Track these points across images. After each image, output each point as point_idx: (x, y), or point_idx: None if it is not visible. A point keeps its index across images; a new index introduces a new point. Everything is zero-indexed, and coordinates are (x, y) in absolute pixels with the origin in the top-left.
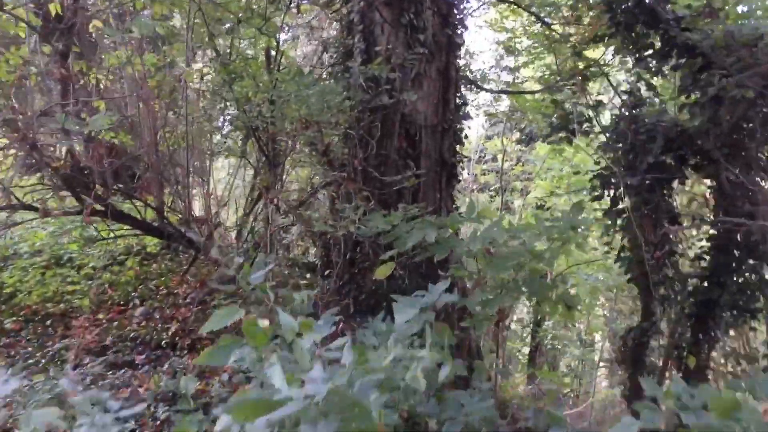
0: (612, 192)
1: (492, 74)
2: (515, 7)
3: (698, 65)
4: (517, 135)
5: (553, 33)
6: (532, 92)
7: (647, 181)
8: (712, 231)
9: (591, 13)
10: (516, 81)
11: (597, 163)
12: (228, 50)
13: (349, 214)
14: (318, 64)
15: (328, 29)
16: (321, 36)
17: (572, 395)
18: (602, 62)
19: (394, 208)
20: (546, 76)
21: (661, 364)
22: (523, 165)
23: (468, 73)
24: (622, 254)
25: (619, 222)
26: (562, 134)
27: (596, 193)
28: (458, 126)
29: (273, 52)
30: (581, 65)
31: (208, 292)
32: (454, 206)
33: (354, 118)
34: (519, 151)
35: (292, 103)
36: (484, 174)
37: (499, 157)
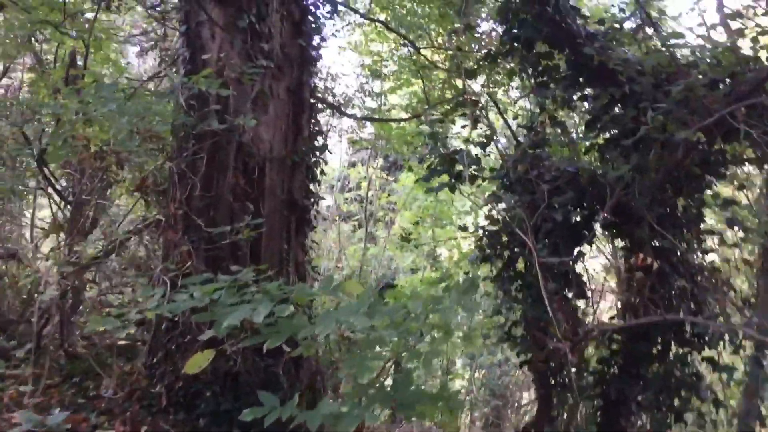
0: (504, 251)
1: (356, 99)
2: (382, 28)
3: (617, 95)
4: (381, 162)
5: (422, 57)
6: (399, 120)
7: (555, 243)
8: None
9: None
10: (382, 107)
11: (489, 217)
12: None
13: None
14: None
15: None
16: (164, 46)
17: None
18: (490, 89)
19: (228, 265)
20: (413, 104)
21: None
22: (389, 195)
23: (330, 97)
24: (512, 333)
25: (514, 294)
26: (443, 180)
27: (483, 252)
28: (313, 159)
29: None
30: (450, 94)
31: None
32: (306, 260)
33: (176, 146)
34: (384, 179)
35: (95, 123)
36: (346, 202)
37: (363, 185)
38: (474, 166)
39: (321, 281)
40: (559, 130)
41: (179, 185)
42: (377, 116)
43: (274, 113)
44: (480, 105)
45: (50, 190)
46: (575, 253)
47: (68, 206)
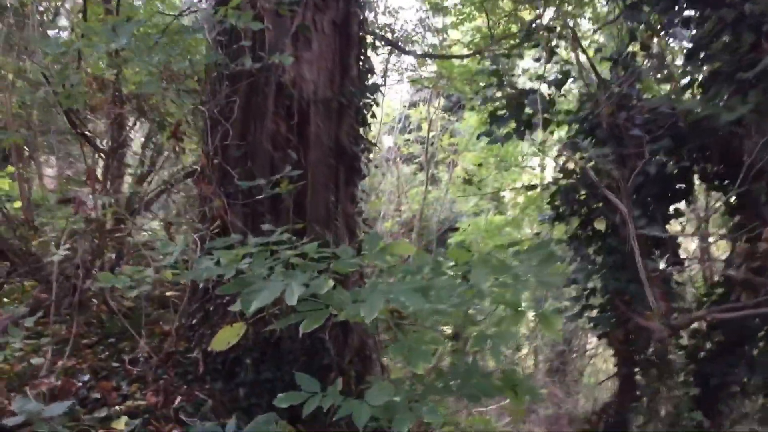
0: (582, 209)
1: (416, 36)
2: None
3: (729, 18)
4: (443, 102)
5: None
6: (461, 56)
7: (644, 200)
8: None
9: None
10: (443, 44)
11: (563, 170)
12: None
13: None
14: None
15: None
16: None
17: None
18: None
19: (268, 221)
20: (476, 41)
21: None
22: (451, 136)
23: (388, 34)
24: (591, 302)
25: (592, 257)
26: (509, 127)
27: (557, 210)
28: (363, 101)
29: None
30: (516, 28)
31: None
32: (356, 212)
33: (209, 89)
34: (446, 119)
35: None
36: (407, 144)
37: (425, 126)
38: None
39: (365, 239)
40: (654, 62)
41: (213, 133)
42: (438, 54)
43: (318, 50)
44: (555, 34)
45: (82, 138)
46: (671, 210)
47: (100, 155)
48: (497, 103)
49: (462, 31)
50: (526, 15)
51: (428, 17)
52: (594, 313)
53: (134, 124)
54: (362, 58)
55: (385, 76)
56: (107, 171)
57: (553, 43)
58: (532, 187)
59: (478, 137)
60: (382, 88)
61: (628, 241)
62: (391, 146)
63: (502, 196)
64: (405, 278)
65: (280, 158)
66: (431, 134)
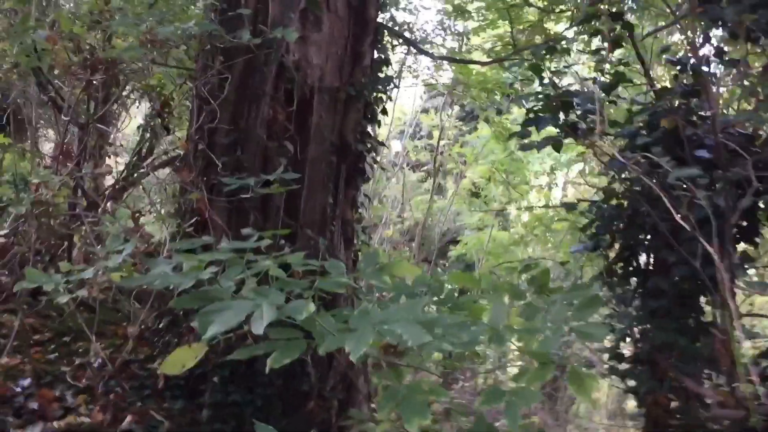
0: (626, 239)
1: (435, 37)
2: None
3: None
4: (456, 111)
5: None
6: (481, 63)
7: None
8: None
9: None
10: (463, 48)
11: (606, 190)
12: None
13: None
14: None
15: None
16: None
17: None
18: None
19: (256, 219)
20: (496, 50)
21: None
22: (461, 146)
23: (407, 33)
24: (620, 351)
25: (631, 299)
26: (548, 133)
27: (596, 239)
28: (374, 95)
29: None
30: (540, 40)
31: None
32: (356, 218)
33: (200, 64)
34: (457, 128)
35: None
36: (416, 150)
37: (435, 133)
38: (592, 115)
39: (363, 257)
40: (734, 71)
41: (200, 114)
42: (458, 58)
43: (329, 32)
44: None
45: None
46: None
47: (70, 128)
48: (536, 105)
49: (483, 37)
50: (552, 26)
51: (449, 19)
52: (623, 365)
53: (119, 97)
54: (378, 46)
55: (399, 76)
56: (83, 147)
57: (617, 29)
58: (572, 206)
59: (509, 138)
60: (395, 89)
61: (678, 284)
62: (399, 151)
63: (508, 212)
64: (401, 301)
65: (275, 149)
66: (441, 142)
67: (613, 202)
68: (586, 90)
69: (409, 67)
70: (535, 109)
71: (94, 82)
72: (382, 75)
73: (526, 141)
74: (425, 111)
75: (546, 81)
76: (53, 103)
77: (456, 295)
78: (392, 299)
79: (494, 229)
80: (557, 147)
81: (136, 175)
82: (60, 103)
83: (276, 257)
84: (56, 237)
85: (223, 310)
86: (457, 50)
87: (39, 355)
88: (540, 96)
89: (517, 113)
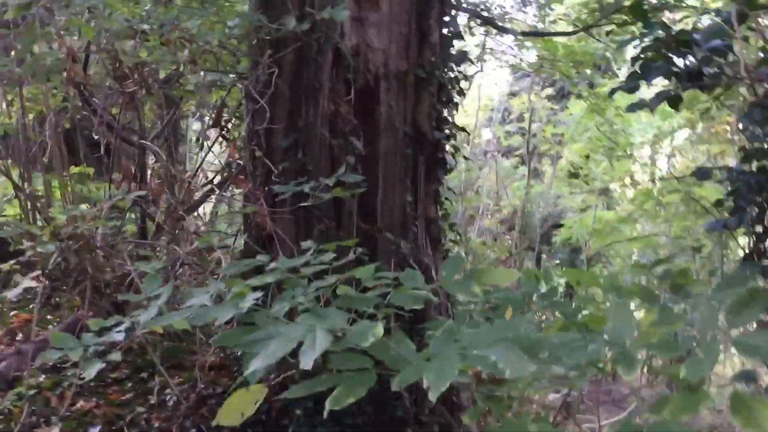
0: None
1: (516, 12)
2: None
3: None
4: (546, 91)
5: None
6: (567, 33)
7: None
8: None
9: None
10: (546, 21)
11: (746, 149)
12: None
13: None
14: None
15: None
16: None
17: None
18: None
19: (328, 229)
20: (581, 17)
21: None
22: (554, 126)
23: (484, 11)
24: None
25: None
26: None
27: (740, 213)
28: (447, 75)
29: None
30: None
31: None
32: (441, 215)
33: (251, 60)
34: (549, 109)
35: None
36: (507, 135)
37: (526, 116)
38: (719, 58)
39: (445, 263)
40: None
41: (255, 116)
42: (539, 32)
43: (388, 9)
44: None
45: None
46: None
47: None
48: (645, 53)
49: (566, 5)
50: None
51: None
52: None
53: (174, 112)
54: (446, 19)
55: (481, 60)
56: (140, 168)
57: None
58: (705, 174)
59: (611, 92)
60: (478, 74)
61: None
62: (489, 138)
63: (612, 191)
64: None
65: (341, 147)
66: (533, 125)
67: (754, 165)
68: (710, 22)
69: (491, 49)
70: (642, 57)
71: (138, 98)
72: (453, 51)
73: (633, 101)
74: (513, 95)
75: (653, 21)
76: (107, 125)
77: (561, 291)
78: (494, 308)
79: (598, 209)
80: (675, 103)
81: (199, 194)
82: (112, 124)
83: (344, 271)
84: (100, 270)
85: (268, 340)
86: (539, 25)
87: (115, 396)
88: (647, 40)
89: (609, 85)
